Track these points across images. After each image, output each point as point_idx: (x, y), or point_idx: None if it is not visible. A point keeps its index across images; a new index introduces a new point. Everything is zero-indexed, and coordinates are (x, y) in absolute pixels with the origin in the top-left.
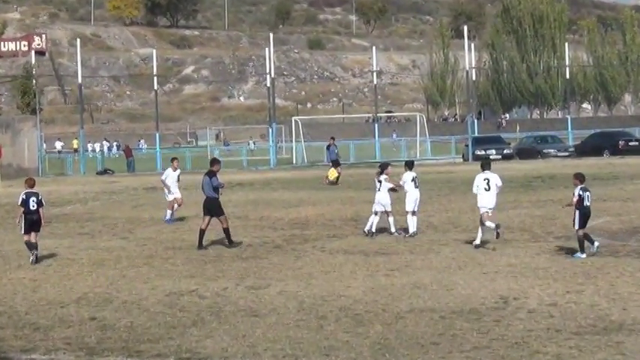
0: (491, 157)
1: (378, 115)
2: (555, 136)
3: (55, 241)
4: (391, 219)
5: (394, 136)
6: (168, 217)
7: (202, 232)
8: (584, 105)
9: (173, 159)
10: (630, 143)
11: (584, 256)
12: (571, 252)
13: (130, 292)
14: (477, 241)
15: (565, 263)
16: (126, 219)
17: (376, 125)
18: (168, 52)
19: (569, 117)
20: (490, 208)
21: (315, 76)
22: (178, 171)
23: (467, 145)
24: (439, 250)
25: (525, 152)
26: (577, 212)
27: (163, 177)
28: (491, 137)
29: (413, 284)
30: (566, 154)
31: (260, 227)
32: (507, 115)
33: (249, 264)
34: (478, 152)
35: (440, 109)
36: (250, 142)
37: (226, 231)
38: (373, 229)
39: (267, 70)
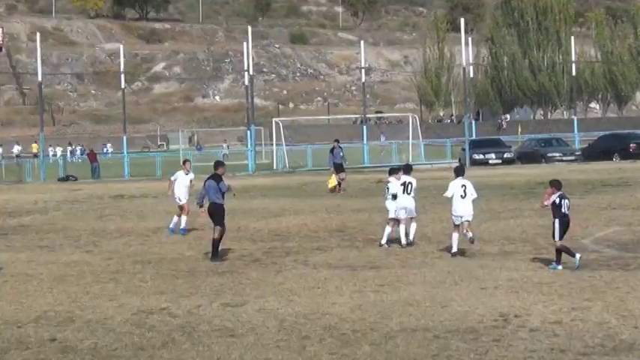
0: (490, 161)
1: (366, 116)
2: (560, 138)
3: (12, 254)
4: (388, 230)
5: (382, 139)
6: (183, 225)
7: (217, 243)
8: (592, 105)
9: (185, 161)
10: None
11: (560, 267)
12: (557, 262)
13: (94, 310)
14: (454, 249)
15: (571, 277)
16: (90, 230)
17: (364, 127)
18: (137, 47)
19: (575, 118)
20: (467, 217)
21: (298, 74)
22: (191, 175)
23: (464, 149)
24: (433, 263)
25: (528, 156)
26: (556, 221)
27: (173, 178)
28: (490, 140)
29: (404, 301)
30: (573, 158)
31: (237, 239)
32: (508, 116)
33: (225, 279)
34: (476, 156)
35: (434, 109)
36: (224, 145)
37: (216, 242)
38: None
39: (245, 67)
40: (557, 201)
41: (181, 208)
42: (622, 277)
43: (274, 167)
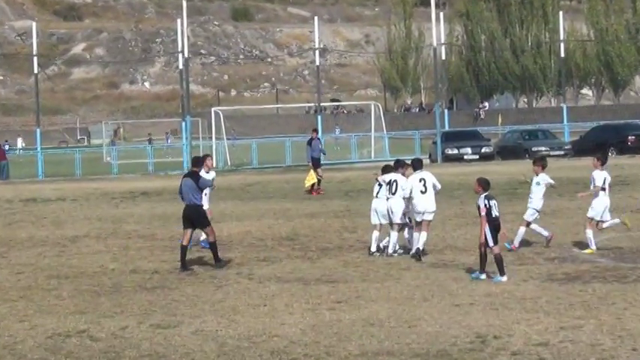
0: (466, 156)
1: (321, 104)
2: (547, 130)
3: None
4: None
5: (337, 131)
6: (203, 236)
7: (184, 250)
8: (584, 91)
9: (205, 156)
10: None
11: (483, 276)
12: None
13: (2, 333)
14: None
15: (559, 292)
16: None
17: (319, 118)
18: (52, 25)
19: (564, 106)
20: (429, 215)
21: (241, 56)
22: (213, 173)
23: (435, 143)
24: (399, 276)
25: (509, 151)
26: (486, 226)
27: None
28: (466, 132)
29: (365, 320)
30: (561, 152)
31: (170, 248)
32: (487, 104)
33: (156, 296)
34: (449, 151)
35: (400, 96)
36: (148, 139)
37: (213, 246)
38: (372, 247)
39: (180, 48)
40: (487, 203)
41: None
42: (618, 291)
43: (214, 165)
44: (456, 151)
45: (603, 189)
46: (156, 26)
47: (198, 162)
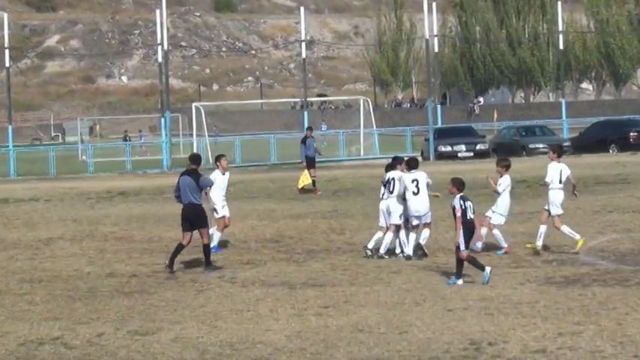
0: (459, 154)
1: (308, 99)
2: (545, 126)
3: None
4: (389, 236)
5: (323, 127)
6: (216, 242)
7: (181, 249)
8: (584, 85)
9: (220, 157)
10: None
11: (460, 281)
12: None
13: None
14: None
15: (557, 296)
16: None
17: (305, 113)
18: (25, 16)
19: (563, 101)
20: (427, 218)
21: (224, 48)
22: (227, 174)
23: (427, 139)
24: (389, 279)
25: (505, 148)
26: (460, 228)
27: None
28: (459, 128)
29: (353, 326)
30: None
31: (149, 251)
32: (481, 99)
33: (134, 301)
34: (442, 148)
35: (391, 91)
36: (124, 137)
37: (206, 248)
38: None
39: (159, 41)
40: (462, 204)
41: (220, 220)
42: (619, 295)
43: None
44: (449, 149)
45: (561, 182)
46: (133, 17)
47: (196, 159)
